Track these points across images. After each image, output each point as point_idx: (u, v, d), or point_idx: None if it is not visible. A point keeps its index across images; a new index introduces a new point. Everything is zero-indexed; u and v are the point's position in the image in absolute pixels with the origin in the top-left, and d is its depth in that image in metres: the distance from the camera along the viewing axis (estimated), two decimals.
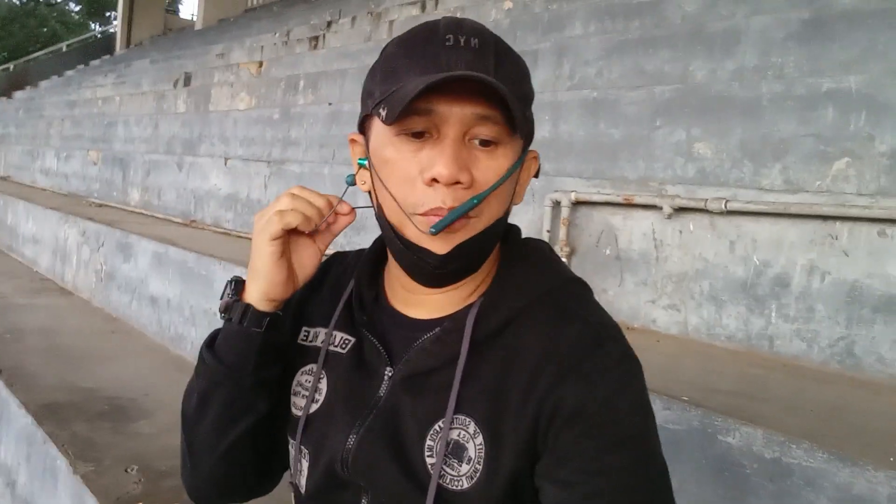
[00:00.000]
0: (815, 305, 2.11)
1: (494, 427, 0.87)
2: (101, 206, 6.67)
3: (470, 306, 0.92)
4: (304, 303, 1.08)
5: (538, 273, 0.94)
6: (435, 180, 0.83)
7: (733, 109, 2.78)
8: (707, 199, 2.33)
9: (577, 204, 2.70)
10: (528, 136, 0.91)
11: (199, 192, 5.53)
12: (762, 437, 1.47)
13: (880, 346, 1.98)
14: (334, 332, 1.02)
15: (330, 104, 5.22)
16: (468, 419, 0.88)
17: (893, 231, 1.99)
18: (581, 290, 0.95)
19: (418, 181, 0.85)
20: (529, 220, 2.84)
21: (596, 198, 2.64)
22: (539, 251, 0.98)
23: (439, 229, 0.84)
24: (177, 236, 4.48)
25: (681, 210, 2.43)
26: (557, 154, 3.39)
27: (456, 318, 0.92)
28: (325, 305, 1.05)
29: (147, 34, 18.06)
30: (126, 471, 2.36)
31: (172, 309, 3.94)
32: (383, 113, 0.83)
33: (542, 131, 3.46)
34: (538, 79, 4.14)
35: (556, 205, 2.73)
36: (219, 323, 1.00)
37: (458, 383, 0.88)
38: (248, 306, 0.95)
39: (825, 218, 2.10)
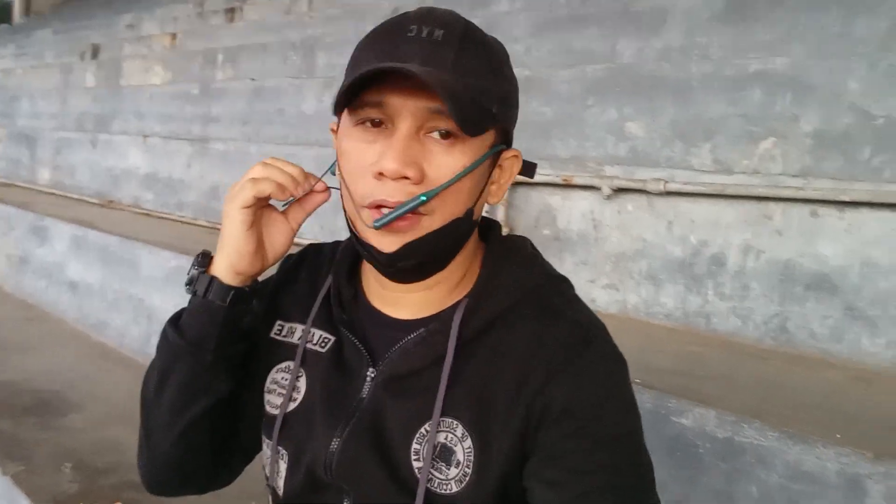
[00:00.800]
0: (750, 283, 2.18)
1: (483, 429, 0.86)
2: (7, 185, 6.36)
3: (453, 306, 0.91)
4: (279, 295, 1.05)
5: (523, 271, 0.93)
6: (382, 174, 0.81)
7: (664, 89, 2.82)
8: (646, 180, 2.37)
9: (515, 185, 2.71)
10: (503, 133, 0.89)
11: (115, 171, 5.32)
12: (715, 418, 1.52)
13: (812, 322, 2.06)
14: (312, 330, 0.99)
15: (252, 80, 5.08)
16: (455, 422, 0.87)
17: (825, 211, 2.07)
18: (566, 287, 0.95)
19: (369, 173, 0.83)
20: None
21: (535, 178, 2.65)
22: (522, 249, 0.97)
23: (381, 224, 0.82)
24: (95, 218, 4.31)
25: (619, 191, 2.47)
26: None
27: (441, 319, 0.90)
28: (300, 300, 1.02)
29: (47, 2, 17.17)
30: (60, 469, 2.27)
31: (94, 294, 3.80)
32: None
33: None
34: None
35: None
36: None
37: (444, 385, 0.87)
38: (213, 279, 0.92)
39: (760, 199, 2.17)
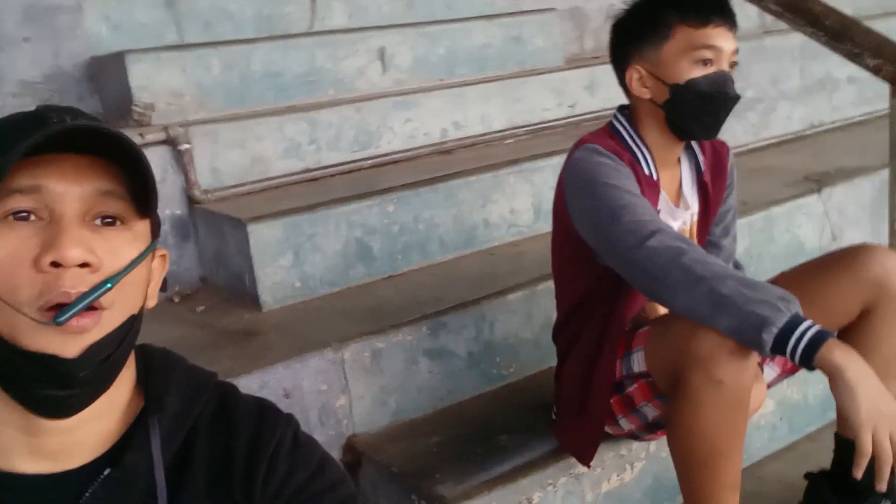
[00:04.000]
0: None
1: None
2: None
3: (134, 430, 0.82)
4: None
5: (190, 375, 0.89)
6: (56, 264, 0.71)
7: None
8: None
9: None
10: (156, 224, 0.84)
11: None
12: None
13: None
14: None
15: None
16: None
17: None
18: (215, 376, 0.92)
19: (29, 270, 0.72)
20: None
21: None
22: (165, 352, 0.90)
23: (68, 317, 0.71)
24: None
25: None
26: None
27: (134, 448, 0.80)
28: None
29: None
30: None
31: None
32: None
33: None
34: None
35: None
36: None
37: None
38: None
39: None
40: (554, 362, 2.10)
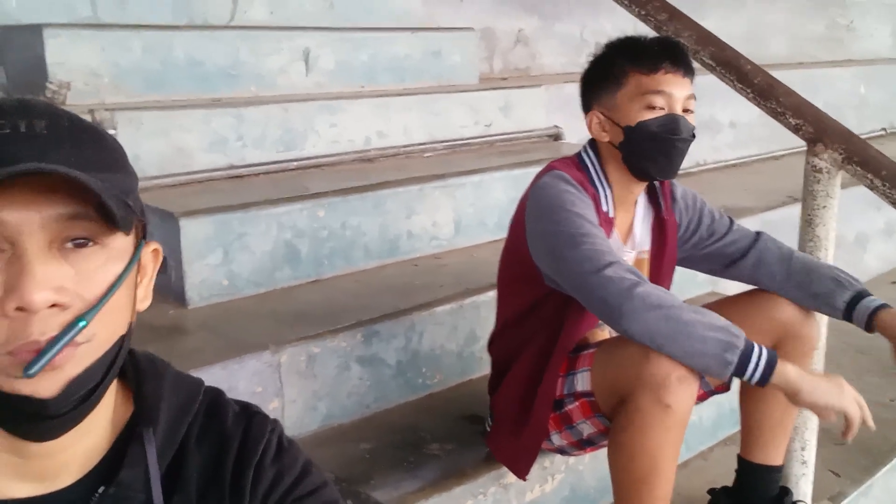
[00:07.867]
0: None
1: None
2: None
3: (124, 443, 0.79)
4: None
5: (180, 383, 0.86)
6: (22, 309, 0.65)
7: None
8: None
9: None
10: (142, 227, 0.78)
11: None
12: None
13: None
14: None
15: None
16: None
17: None
18: (202, 383, 0.90)
19: None
20: None
21: None
22: (150, 357, 0.86)
23: (38, 368, 0.65)
24: None
25: None
26: None
27: (130, 464, 0.77)
28: None
29: None
30: None
31: None
32: None
33: None
34: None
35: None
36: None
37: None
38: None
39: None
40: (476, 374, 2.19)
